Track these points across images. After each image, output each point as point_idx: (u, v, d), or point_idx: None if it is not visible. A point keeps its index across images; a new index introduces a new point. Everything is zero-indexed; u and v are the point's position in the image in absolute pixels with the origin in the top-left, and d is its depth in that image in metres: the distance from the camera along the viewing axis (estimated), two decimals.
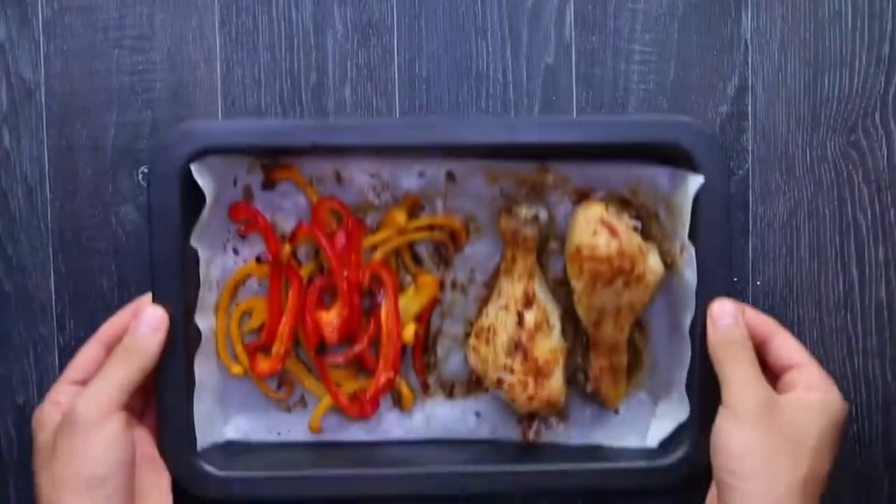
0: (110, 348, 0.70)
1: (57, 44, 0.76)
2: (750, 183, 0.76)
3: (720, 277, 0.71)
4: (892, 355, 0.77)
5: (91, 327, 0.74)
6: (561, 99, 0.76)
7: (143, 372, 0.68)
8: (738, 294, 0.76)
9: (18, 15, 0.76)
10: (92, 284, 0.76)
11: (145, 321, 0.69)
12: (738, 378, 0.66)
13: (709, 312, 0.70)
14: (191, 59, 0.76)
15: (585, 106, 0.75)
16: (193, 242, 0.72)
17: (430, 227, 0.77)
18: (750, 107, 0.76)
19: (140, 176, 0.76)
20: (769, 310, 0.75)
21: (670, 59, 0.76)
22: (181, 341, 0.72)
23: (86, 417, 0.65)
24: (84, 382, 0.68)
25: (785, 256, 0.77)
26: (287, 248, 0.76)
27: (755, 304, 0.76)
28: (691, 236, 0.72)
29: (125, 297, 0.76)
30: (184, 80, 0.76)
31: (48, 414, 0.67)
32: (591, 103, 0.76)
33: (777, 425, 0.64)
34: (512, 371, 0.74)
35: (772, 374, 0.70)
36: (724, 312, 0.69)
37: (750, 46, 0.75)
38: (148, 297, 0.71)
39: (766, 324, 0.70)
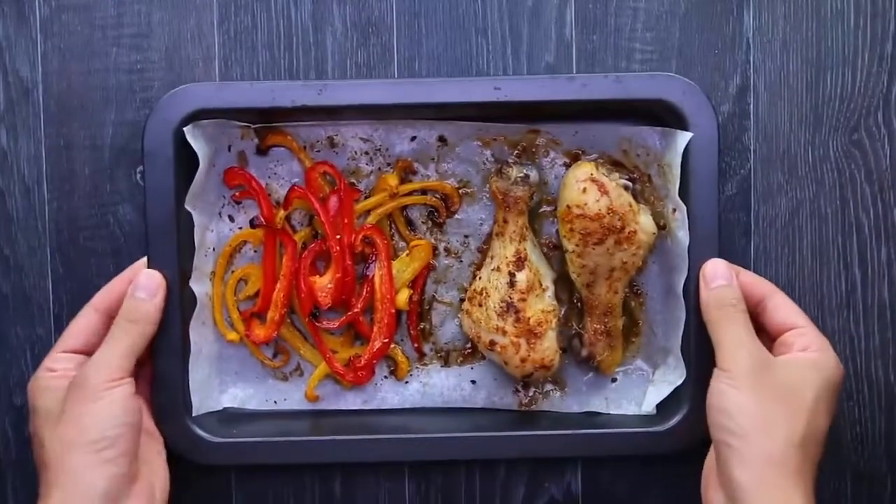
0: (105, 315, 0.70)
1: (54, 42, 0.75)
2: (752, 183, 0.76)
3: (712, 236, 0.71)
4: (894, 355, 0.77)
5: None
6: None
7: (145, 337, 0.69)
8: None
9: (16, 13, 0.75)
10: (90, 285, 0.74)
11: (142, 286, 0.70)
12: (732, 339, 0.66)
13: (701, 273, 0.70)
14: (189, 57, 0.76)
15: None
16: (188, 206, 0.72)
17: (423, 192, 0.77)
18: (752, 106, 0.76)
19: (138, 176, 0.76)
20: None
21: (671, 58, 0.75)
22: (177, 306, 0.72)
23: (95, 383, 0.66)
24: (80, 351, 0.69)
25: (787, 257, 0.76)
26: (281, 213, 0.76)
27: None
28: (683, 197, 0.72)
29: None
30: (182, 79, 0.75)
31: (45, 381, 0.68)
32: None
33: (772, 385, 0.64)
34: (504, 333, 0.74)
35: (768, 336, 0.69)
36: (717, 273, 0.69)
37: (752, 45, 0.75)
38: (142, 262, 0.71)
39: (761, 285, 0.70)
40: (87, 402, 0.66)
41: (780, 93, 0.76)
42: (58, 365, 0.68)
